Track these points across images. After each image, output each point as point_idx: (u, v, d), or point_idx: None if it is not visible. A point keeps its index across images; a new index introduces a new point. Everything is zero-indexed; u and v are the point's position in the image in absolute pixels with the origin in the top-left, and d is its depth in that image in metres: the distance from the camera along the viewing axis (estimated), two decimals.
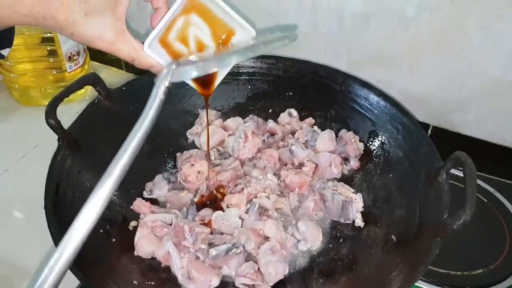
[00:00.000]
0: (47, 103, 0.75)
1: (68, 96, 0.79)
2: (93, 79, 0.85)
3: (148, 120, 0.51)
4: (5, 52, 0.53)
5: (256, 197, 0.81)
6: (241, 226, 0.79)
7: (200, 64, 0.55)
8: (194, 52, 0.61)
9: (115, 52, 0.52)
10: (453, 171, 0.73)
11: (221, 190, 0.86)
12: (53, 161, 0.76)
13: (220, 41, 0.61)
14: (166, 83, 0.53)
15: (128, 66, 1.35)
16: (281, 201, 0.82)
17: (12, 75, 1.17)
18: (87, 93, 1.24)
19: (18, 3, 0.46)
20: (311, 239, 0.79)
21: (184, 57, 0.60)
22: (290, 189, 0.85)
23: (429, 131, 1.03)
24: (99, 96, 0.86)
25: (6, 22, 0.48)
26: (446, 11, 0.87)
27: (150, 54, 0.56)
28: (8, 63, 1.15)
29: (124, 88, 0.91)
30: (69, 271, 0.62)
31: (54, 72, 1.19)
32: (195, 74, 0.53)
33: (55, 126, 0.75)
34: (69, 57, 1.18)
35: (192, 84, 0.63)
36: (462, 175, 0.66)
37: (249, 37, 0.59)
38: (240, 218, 0.80)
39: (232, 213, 0.80)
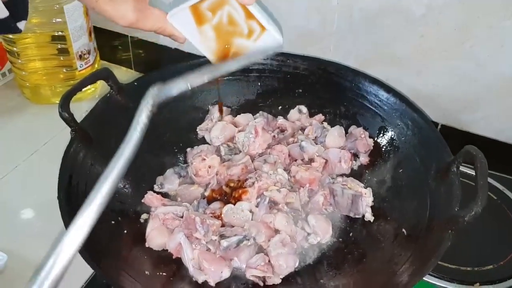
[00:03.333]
0: (59, 99, 0.76)
1: (81, 90, 0.81)
2: (105, 74, 0.85)
3: (131, 144, 0.50)
4: (21, 25, 0.53)
5: (266, 190, 0.81)
6: (252, 220, 0.79)
7: (181, 81, 0.56)
8: (224, 22, 0.61)
9: (140, 28, 0.54)
10: (462, 168, 0.73)
11: (231, 185, 0.86)
12: (66, 153, 0.77)
13: (250, 30, 0.61)
14: (150, 107, 0.54)
15: (137, 66, 1.36)
16: (291, 196, 0.82)
17: (23, 73, 1.19)
18: (97, 91, 1.26)
19: None
20: (321, 232, 0.79)
21: (208, 23, 0.60)
22: (301, 184, 0.85)
23: (438, 130, 1.03)
24: (111, 91, 0.87)
25: None
26: (455, 10, 0.88)
27: (172, 23, 0.57)
28: (19, 61, 1.16)
29: (135, 83, 0.92)
30: (82, 260, 0.63)
31: (65, 71, 1.20)
32: (178, 90, 0.56)
33: (68, 119, 0.76)
34: (80, 56, 1.19)
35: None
36: (472, 173, 0.66)
37: (275, 45, 0.59)
38: (250, 211, 0.80)
39: (242, 206, 0.80)
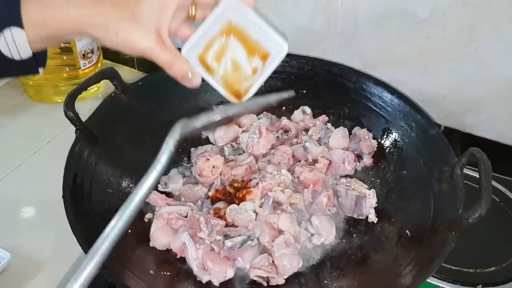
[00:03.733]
0: (61, 100, 0.76)
1: (86, 89, 0.81)
2: (110, 73, 0.86)
3: (159, 167, 0.55)
4: (40, 69, 0.53)
5: (270, 191, 0.81)
6: (256, 220, 0.80)
7: (205, 118, 0.60)
8: (229, 71, 0.61)
9: (154, 55, 0.52)
10: (466, 171, 0.73)
11: (235, 185, 0.86)
12: (71, 152, 0.77)
13: (253, 65, 0.60)
14: (177, 137, 0.58)
15: (140, 65, 1.36)
16: (295, 197, 0.82)
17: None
18: (100, 91, 1.26)
19: (65, 4, 0.48)
20: (325, 233, 0.79)
21: (216, 74, 0.60)
22: (305, 185, 0.85)
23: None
24: (116, 90, 0.87)
25: (51, 32, 0.49)
26: (459, 11, 0.88)
27: (188, 59, 0.56)
28: None
29: (140, 83, 0.92)
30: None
31: (68, 69, 1.20)
32: (199, 125, 0.59)
33: (73, 118, 0.77)
34: (83, 55, 1.19)
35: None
36: (475, 175, 0.66)
37: (282, 53, 0.58)
38: (254, 212, 0.80)
39: (246, 207, 0.80)
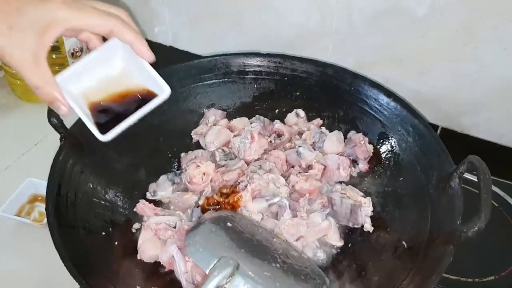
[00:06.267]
0: None
1: None
2: None
3: None
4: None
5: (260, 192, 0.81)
6: None
7: None
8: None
9: (25, 75, 0.50)
10: (466, 175, 0.71)
11: (224, 191, 0.84)
12: (55, 161, 0.75)
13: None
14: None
15: None
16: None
17: (14, 71, 1.15)
18: None
19: None
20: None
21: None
22: (300, 195, 0.83)
23: (438, 133, 1.01)
24: None
25: None
26: (457, 11, 0.85)
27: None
28: None
29: None
30: (69, 276, 0.61)
31: (57, 69, 1.16)
32: None
33: (58, 125, 0.74)
34: (72, 54, 1.16)
35: None
36: (474, 179, 0.64)
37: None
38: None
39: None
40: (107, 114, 0.58)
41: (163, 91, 0.57)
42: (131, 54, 0.56)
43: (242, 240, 0.66)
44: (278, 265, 0.64)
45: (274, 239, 0.71)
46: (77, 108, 0.55)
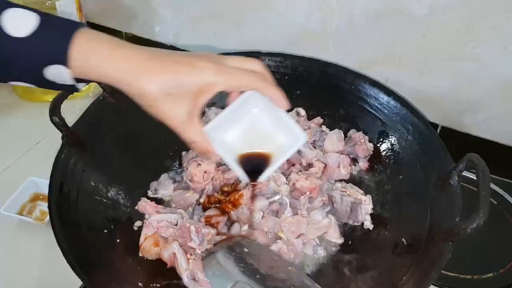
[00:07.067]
0: (51, 99, 0.74)
1: (73, 93, 0.78)
2: None
3: None
4: (80, 85, 0.56)
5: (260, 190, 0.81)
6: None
7: None
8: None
9: (181, 132, 0.56)
10: (465, 173, 0.71)
11: (225, 189, 0.84)
12: (56, 159, 0.75)
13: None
14: None
15: None
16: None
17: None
18: (91, 90, 1.23)
19: (108, 67, 0.50)
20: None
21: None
22: (301, 193, 0.83)
23: (438, 132, 1.02)
24: (104, 93, 0.85)
25: (91, 78, 0.52)
26: (457, 10, 0.85)
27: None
28: None
29: None
30: (71, 273, 0.62)
31: None
32: None
33: (59, 123, 0.74)
34: None
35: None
36: (473, 177, 0.64)
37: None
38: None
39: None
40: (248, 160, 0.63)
41: (298, 139, 0.60)
42: (267, 103, 0.59)
43: (256, 266, 0.69)
44: None
45: (289, 268, 0.73)
46: (225, 156, 0.60)
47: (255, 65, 0.58)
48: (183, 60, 0.53)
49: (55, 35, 0.49)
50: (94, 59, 0.51)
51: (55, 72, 0.50)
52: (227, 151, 0.60)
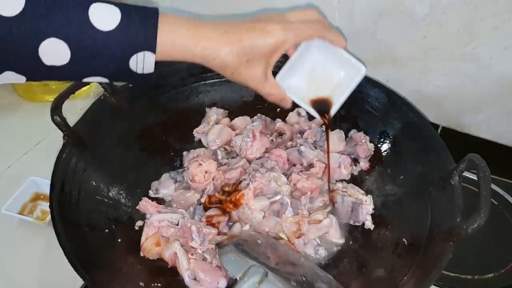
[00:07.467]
0: (52, 99, 0.74)
1: (74, 93, 0.78)
2: None
3: None
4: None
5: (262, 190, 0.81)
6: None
7: None
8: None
9: (259, 89, 0.63)
10: (465, 174, 0.71)
11: (226, 189, 0.84)
12: (58, 159, 0.75)
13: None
14: None
15: None
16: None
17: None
18: (91, 89, 1.23)
19: (193, 47, 0.55)
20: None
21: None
22: (302, 193, 0.84)
23: (438, 132, 1.02)
24: (105, 93, 0.85)
25: (176, 58, 0.56)
26: (458, 10, 0.85)
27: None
28: None
29: (130, 85, 0.89)
30: (71, 272, 0.62)
31: None
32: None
33: (61, 123, 0.74)
34: None
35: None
36: (473, 177, 0.64)
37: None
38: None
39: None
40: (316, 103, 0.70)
41: (359, 70, 0.67)
42: (327, 46, 0.65)
43: (271, 254, 0.71)
44: (304, 279, 0.68)
45: (302, 259, 0.75)
46: (297, 100, 0.67)
47: (313, 14, 0.64)
48: (254, 26, 0.59)
49: (140, 24, 0.52)
50: (179, 42, 0.54)
51: (140, 60, 0.53)
52: (298, 96, 0.67)
